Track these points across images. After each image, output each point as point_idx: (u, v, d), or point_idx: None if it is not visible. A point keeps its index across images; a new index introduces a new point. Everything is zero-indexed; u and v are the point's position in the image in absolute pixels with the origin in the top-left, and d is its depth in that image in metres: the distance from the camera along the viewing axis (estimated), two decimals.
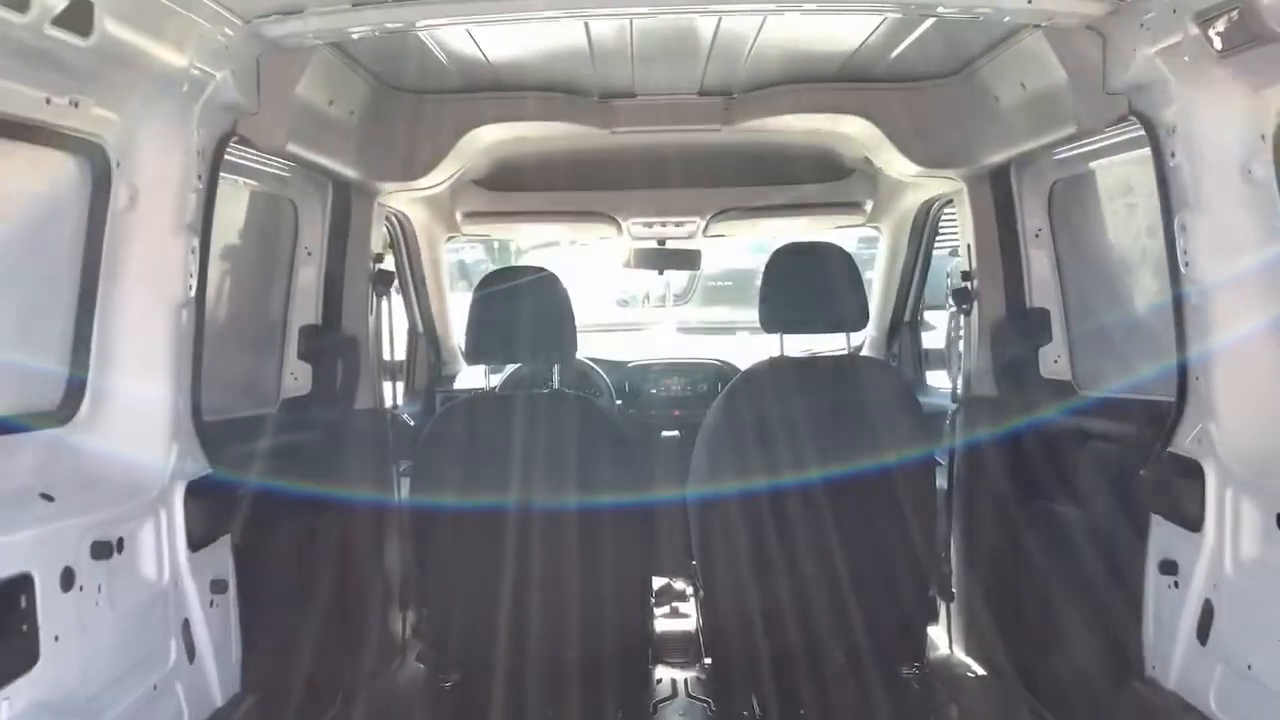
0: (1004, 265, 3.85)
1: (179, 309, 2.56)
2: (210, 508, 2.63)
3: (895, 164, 3.98)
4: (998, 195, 3.83)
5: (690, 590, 4.59)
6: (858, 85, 3.72)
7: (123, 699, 2.26)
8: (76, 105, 2.16)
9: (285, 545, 3.24)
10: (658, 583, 4.48)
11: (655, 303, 6.09)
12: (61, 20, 1.90)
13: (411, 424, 4.40)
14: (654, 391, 5.39)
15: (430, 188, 4.08)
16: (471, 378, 5.10)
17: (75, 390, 2.37)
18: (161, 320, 2.53)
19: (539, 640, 3.84)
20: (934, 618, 4.13)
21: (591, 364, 5.12)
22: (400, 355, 4.76)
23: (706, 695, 3.91)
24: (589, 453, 3.87)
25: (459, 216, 4.87)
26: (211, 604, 2.67)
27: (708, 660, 4.14)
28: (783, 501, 3.86)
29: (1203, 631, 2.60)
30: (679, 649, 4.28)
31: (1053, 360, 3.76)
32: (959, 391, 4.15)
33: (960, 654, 4.11)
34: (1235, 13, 2.18)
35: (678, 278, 5.90)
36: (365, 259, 3.93)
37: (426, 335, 5.22)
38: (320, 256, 3.76)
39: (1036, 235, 3.78)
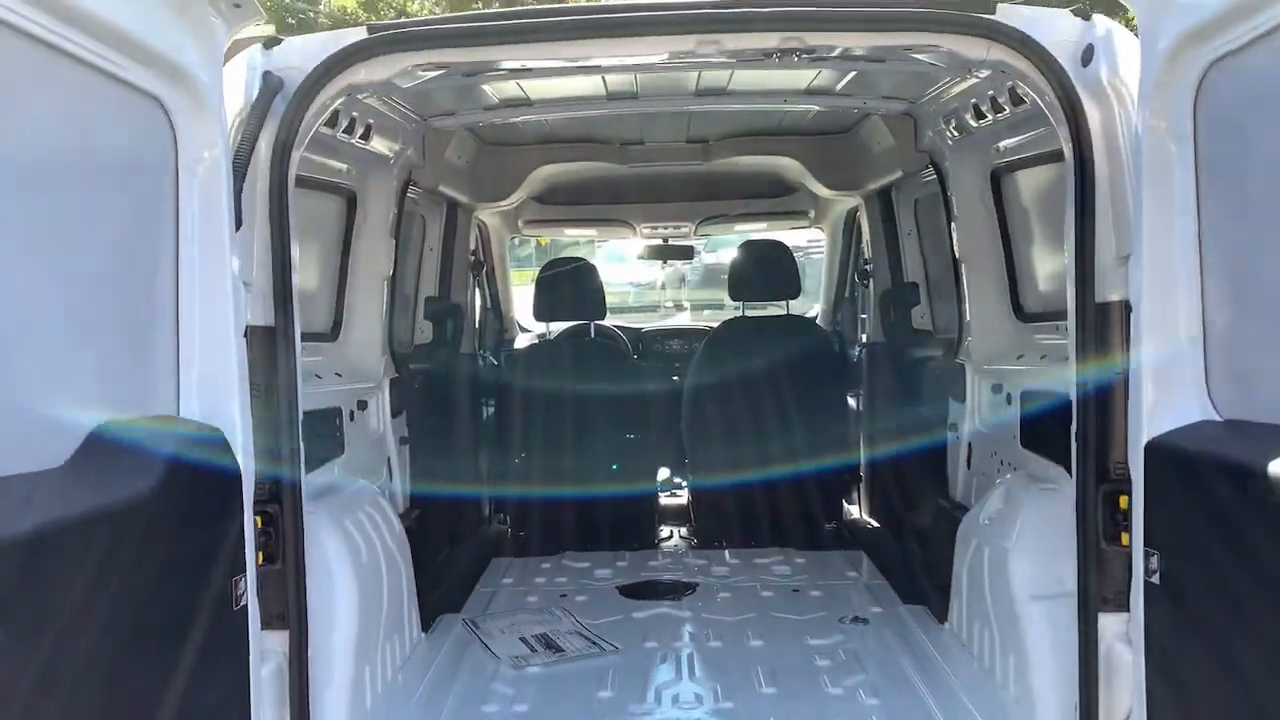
0: (888, 254, 5.78)
1: (384, 280, 4.53)
2: (400, 393, 4.62)
3: (816, 188, 5.93)
4: (883, 208, 5.76)
5: (682, 478, 6.55)
6: (788, 138, 5.64)
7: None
8: (345, 171, 4.14)
9: (428, 430, 5.21)
10: (662, 473, 6.47)
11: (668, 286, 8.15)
12: (348, 132, 3.85)
13: (495, 362, 6.40)
14: (660, 350, 7.37)
15: (507, 206, 6.08)
16: (525, 341, 7.10)
17: (337, 324, 4.36)
18: (376, 286, 4.50)
19: (584, 506, 5.82)
20: (848, 491, 6.11)
21: (616, 329, 7.11)
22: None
23: (693, 535, 5.91)
24: (617, 381, 5.87)
25: (520, 223, 6.88)
26: (399, 451, 4.65)
27: (694, 524, 6.12)
28: (744, 412, 5.82)
29: (968, 462, 4.55)
30: (675, 515, 6.27)
31: (920, 316, 5.68)
32: (863, 339, 6.13)
33: (866, 515, 6.07)
34: (954, 117, 4.12)
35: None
36: (465, 253, 5.92)
37: (494, 309, 7.21)
38: (438, 251, 5.73)
39: (909, 234, 5.70)
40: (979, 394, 4.43)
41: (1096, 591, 2.75)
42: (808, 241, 7.90)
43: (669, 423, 6.14)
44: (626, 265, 10.39)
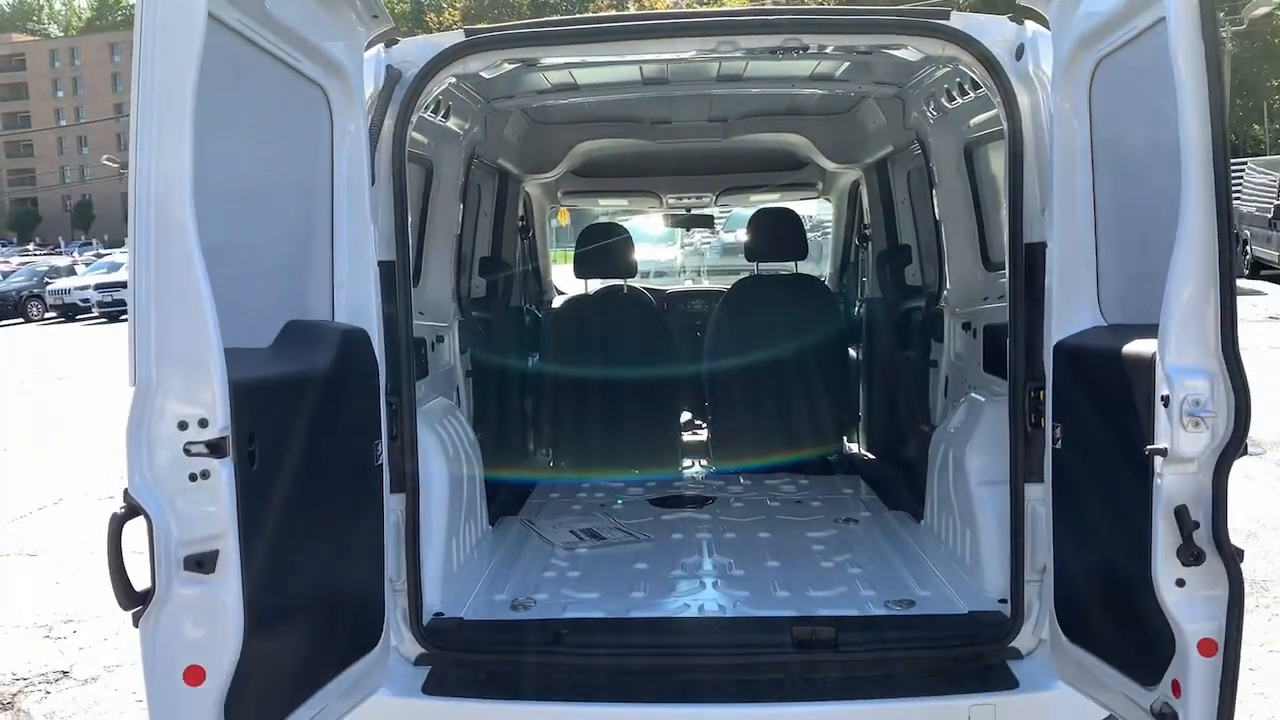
0: (885, 220, 6.62)
1: (454, 238, 5.41)
2: (465, 334, 5.50)
3: (822, 162, 6.76)
4: (881, 179, 6.58)
5: (702, 421, 7.42)
6: (796, 117, 6.47)
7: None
8: (426, 145, 5.00)
9: (486, 369, 6.09)
10: (685, 415, 7.34)
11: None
12: (434, 112, 4.72)
13: (538, 315, 7.28)
14: (683, 309, 8.24)
15: (550, 178, 6.94)
16: (560, 301, 7.97)
17: (418, 271, 5.23)
18: (447, 243, 5.37)
19: (616, 439, 6.70)
20: (847, 427, 6.97)
21: (644, 290, 7.97)
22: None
23: (712, 464, 6.79)
24: (648, 329, 6.75)
25: (560, 194, 7.76)
26: (465, 381, 5.54)
27: (713, 455, 6.99)
28: (758, 358, 6.68)
29: (945, 393, 5.39)
30: (696, 449, 7.15)
31: (912, 275, 6.51)
32: (862, 294, 6.98)
33: (863, 448, 6.93)
34: (933, 100, 4.95)
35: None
36: (515, 218, 6.79)
37: (535, 273, 8.08)
38: (491, 217, 6.59)
39: (902, 202, 6.52)
40: (954, 333, 5.27)
41: (1023, 466, 3.60)
42: (816, 212, 8.76)
43: (691, 369, 7.01)
44: (649, 246, 11.43)
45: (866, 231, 6.87)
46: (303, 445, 2.91)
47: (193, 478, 2.41)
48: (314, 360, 3.04)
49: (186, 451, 2.40)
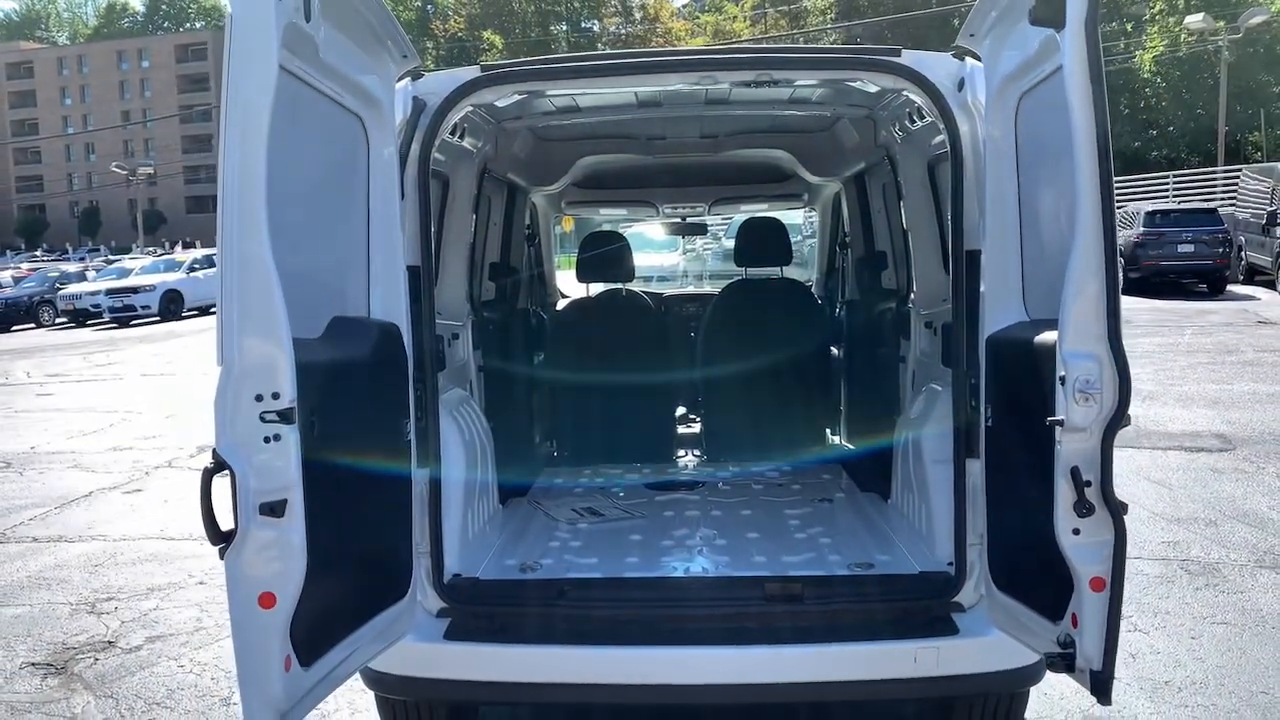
0: (862, 227, 7.18)
1: (467, 244, 5.98)
2: (478, 331, 6.07)
3: (805, 175, 7.34)
4: (859, 190, 7.14)
5: (696, 417, 7.98)
6: (780, 134, 7.03)
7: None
8: (444, 162, 5.58)
9: (496, 366, 6.66)
10: (678, 411, 7.90)
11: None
12: (451, 134, 5.30)
13: (544, 316, 7.86)
14: (679, 311, 8.81)
15: (555, 190, 7.53)
16: (564, 304, 8.55)
17: (436, 275, 5.80)
18: (461, 249, 5.94)
19: (615, 432, 7.27)
20: (828, 419, 7.53)
21: (643, 293, 8.55)
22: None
23: (703, 455, 7.37)
24: (646, 330, 7.32)
25: (564, 204, 8.35)
26: (478, 376, 6.11)
27: (705, 447, 7.56)
28: (747, 357, 7.24)
29: (912, 385, 5.95)
30: (689, 441, 7.72)
31: (888, 279, 7.07)
32: (841, 297, 7.56)
33: (842, 439, 7.49)
34: (899, 121, 5.52)
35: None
36: (522, 227, 7.37)
37: (539, 276, 8.66)
38: (500, 226, 7.17)
39: (878, 212, 7.07)
40: (919, 331, 5.83)
41: (965, 444, 4.16)
42: (802, 220, 9.35)
43: (686, 367, 7.58)
44: (652, 253, 12.03)
45: (846, 239, 7.45)
46: (350, 419, 3.48)
47: (267, 440, 2.98)
48: (357, 349, 3.61)
49: (262, 419, 2.97)
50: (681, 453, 7.50)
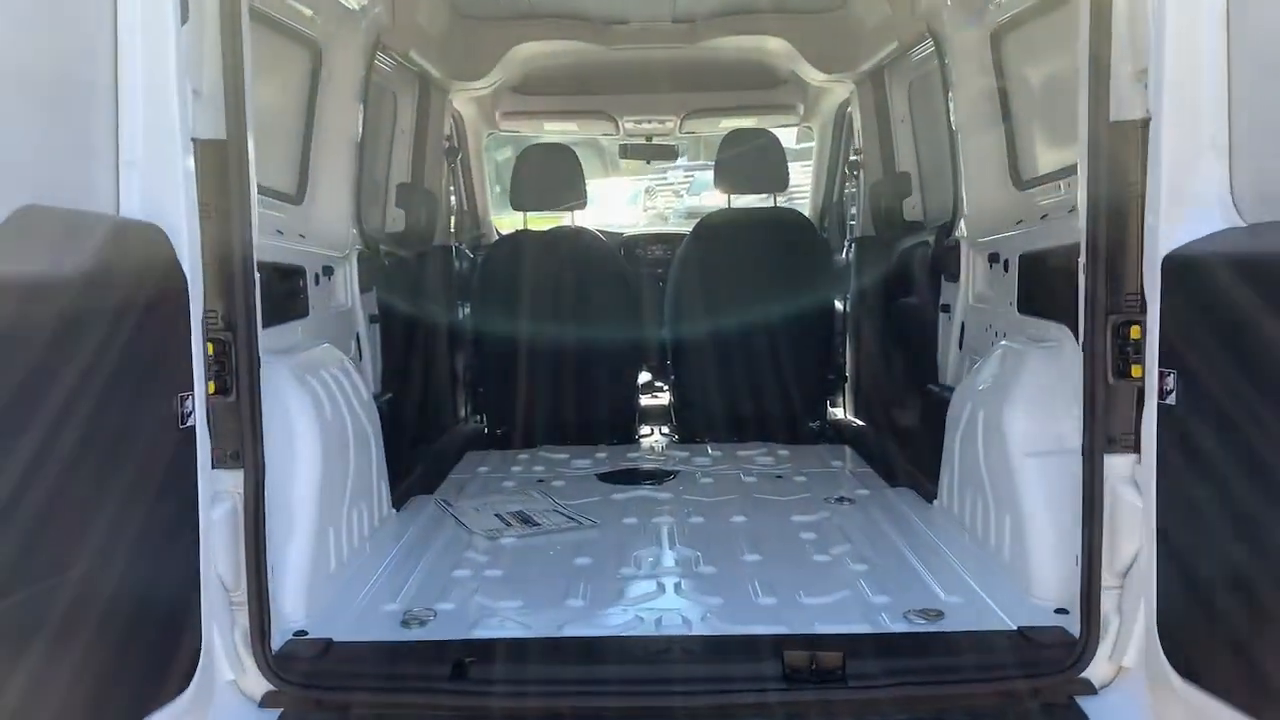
0: (880, 142, 5.58)
1: (352, 145, 4.29)
2: (368, 269, 4.40)
3: (808, 72, 5.69)
4: (876, 93, 5.54)
5: (663, 383, 6.39)
6: (777, 16, 5.40)
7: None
8: (310, 20, 3.89)
9: (401, 317, 5.00)
10: (643, 376, 6.29)
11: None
12: None
13: (470, 255, 6.18)
14: (644, 255, 7.16)
15: (485, 88, 5.81)
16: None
17: (302, 186, 4.13)
18: (343, 151, 4.26)
19: (562, 404, 5.65)
20: (832, 388, 5.96)
21: (597, 231, 6.88)
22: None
23: (674, 433, 5.76)
24: (602, 275, 5.68)
25: (497, 116, 6.61)
26: (369, 328, 4.45)
27: (675, 422, 5.97)
28: (729, 306, 5.64)
29: (960, 342, 4.40)
30: (656, 415, 6.12)
31: (911, 207, 5.50)
32: (851, 234, 5.95)
33: (850, 415, 5.93)
34: None
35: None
36: (439, 137, 5.67)
37: (469, 206, 6.96)
38: (410, 134, 5.47)
39: (901, 121, 5.49)
40: (974, 268, 4.26)
41: (1102, 432, 2.60)
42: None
43: (652, 324, 5.97)
44: (605, 208, 10.21)
45: (857, 158, 5.82)
46: (27, 398, 1.83)
47: None
48: (48, 265, 1.95)
49: None
50: (646, 430, 5.90)
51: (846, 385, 5.97)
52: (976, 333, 4.22)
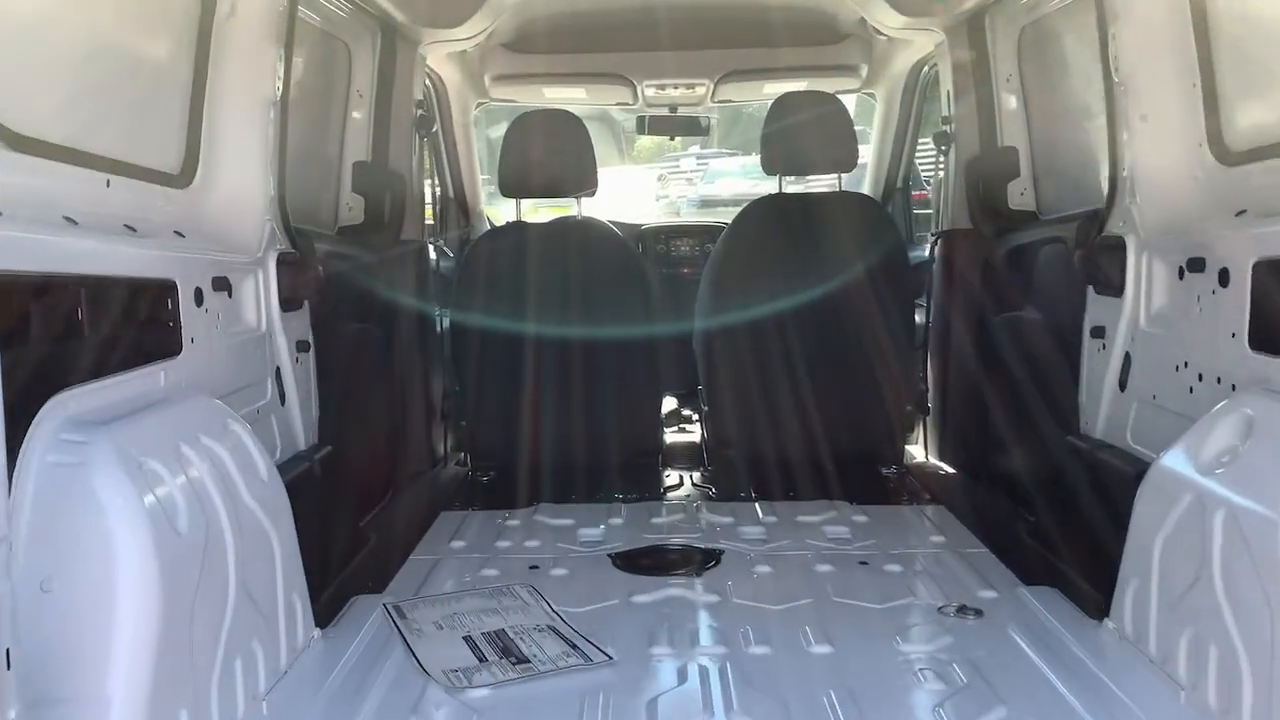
0: (978, 109, 4.30)
1: (267, 107, 3.05)
2: (293, 276, 3.16)
3: (882, 15, 4.39)
4: (974, 44, 4.25)
5: (694, 413, 5.13)
6: None
7: (236, 410, 2.80)
8: None
9: (354, 337, 3.77)
10: (668, 404, 5.03)
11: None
12: None
13: (451, 255, 4.92)
14: (664, 252, 5.89)
15: (466, 39, 4.53)
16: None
17: (191, 163, 2.88)
18: (254, 115, 3.02)
19: (567, 448, 4.42)
20: (912, 428, 4.69)
21: (609, 224, 5.62)
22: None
23: (709, 483, 4.49)
24: (616, 277, 4.43)
25: (487, 81, 5.33)
26: (296, 360, 3.21)
27: (710, 467, 4.70)
28: (780, 322, 4.39)
29: (1122, 382, 3.12)
30: (684, 455, 4.85)
31: (1019, 193, 4.21)
32: (937, 225, 4.66)
33: (934, 458, 4.66)
34: None
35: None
36: (409, 103, 4.40)
37: (456, 197, 5.70)
38: (370, 99, 4.23)
39: (1007, 80, 4.21)
40: (1151, 278, 2.98)
41: None
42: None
43: (679, 336, 4.73)
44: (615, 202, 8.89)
45: (948, 129, 4.52)
46: None
47: None
48: None
49: None
50: (672, 478, 4.63)
51: (928, 419, 4.69)
52: (1155, 370, 2.94)
